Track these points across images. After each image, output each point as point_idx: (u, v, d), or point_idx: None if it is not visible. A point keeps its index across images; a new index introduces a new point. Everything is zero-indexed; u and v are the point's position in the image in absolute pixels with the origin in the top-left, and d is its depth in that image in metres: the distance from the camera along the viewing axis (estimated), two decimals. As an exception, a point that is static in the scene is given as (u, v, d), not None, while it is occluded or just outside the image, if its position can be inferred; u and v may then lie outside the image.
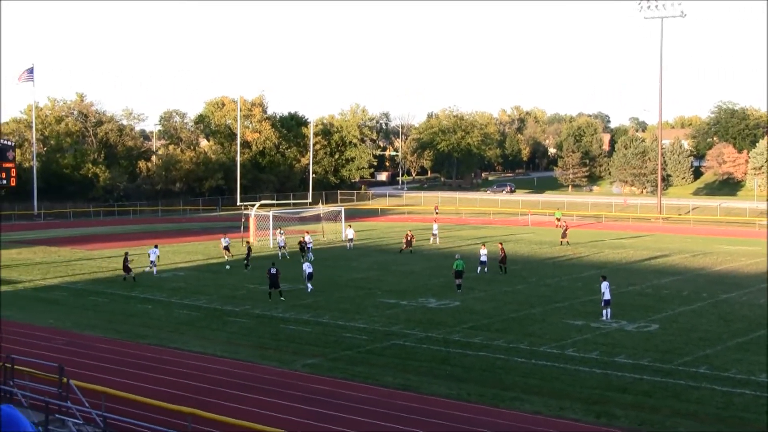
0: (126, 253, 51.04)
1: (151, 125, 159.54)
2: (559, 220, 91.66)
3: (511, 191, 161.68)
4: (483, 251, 52.87)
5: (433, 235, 72.87)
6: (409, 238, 64.46)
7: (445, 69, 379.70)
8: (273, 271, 43.03)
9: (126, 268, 49.36)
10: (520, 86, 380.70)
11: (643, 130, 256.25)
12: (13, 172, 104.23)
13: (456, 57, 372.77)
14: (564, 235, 71.34)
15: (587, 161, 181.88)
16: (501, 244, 54.88)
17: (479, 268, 52.16)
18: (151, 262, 52.98)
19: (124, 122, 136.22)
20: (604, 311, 37.94)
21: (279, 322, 37.54)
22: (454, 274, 46.20)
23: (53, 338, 33.97)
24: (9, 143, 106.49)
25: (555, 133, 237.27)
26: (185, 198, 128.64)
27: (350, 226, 70.06)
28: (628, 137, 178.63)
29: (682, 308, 40.68)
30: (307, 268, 46.00)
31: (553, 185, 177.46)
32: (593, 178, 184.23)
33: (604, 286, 38.06)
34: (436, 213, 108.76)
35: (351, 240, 68.19)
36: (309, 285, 45.18)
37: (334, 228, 78.95)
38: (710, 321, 37.49)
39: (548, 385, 26.89)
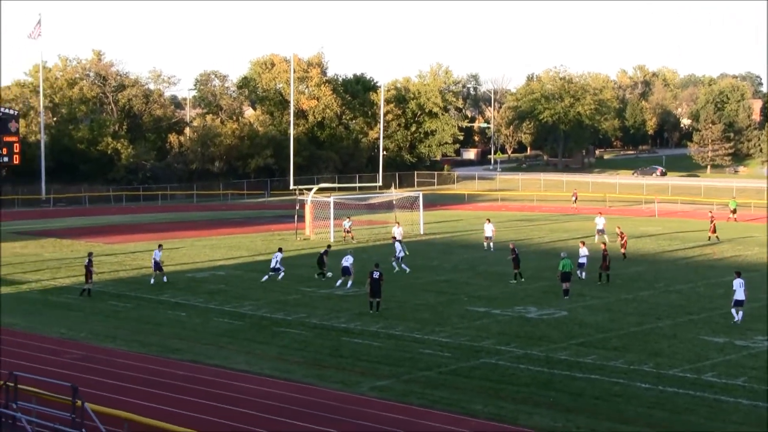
0: (90, 254, 48.47)
1: (185, 90, 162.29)
2: (735, 212, 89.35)
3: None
4: (582, 251, 51.86)
5: (599, 231, 69.80)
6: (622, 239, 58.95)
7: (548, 18, 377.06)
8: (376, 275, 42.29)
9: (88, 274, 46.85)
10: (645, 40, 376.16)
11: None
12: (17, 148, 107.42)
13: (562, 1, 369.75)
14: (713, 229, 70.84)
15: (731, 135, 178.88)
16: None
17: (579, 271, 51.04)
18: (155, 263, 50.92)
19: (152, 86, 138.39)
20: (733, 311, 39.64)
21: (341, 334, 37.70)
22: (559, 276, 45.83)
23: (65, 352, 34.57)
24: (11, 112, 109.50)
25: (690, 99, 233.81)
26: (226, 180, 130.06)
27: (489, 220, 67.48)
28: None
29: None
30: (345, 261, 48.60)
31: (687, 165, 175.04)
32: (739, 157, 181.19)
33: (737, 283, 39.46)
34: (575, 202, 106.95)
35: (489, 238, 64.61)
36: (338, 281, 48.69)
37: (409, 218, 78.96)
38: None
39: (679, 419, 26.52)
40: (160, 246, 52.56)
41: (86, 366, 32.00)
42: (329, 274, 51.31)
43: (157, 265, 50.58)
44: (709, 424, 26.07)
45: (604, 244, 52.23)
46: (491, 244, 64.35)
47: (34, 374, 26.24)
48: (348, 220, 71.47)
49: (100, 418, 22.29)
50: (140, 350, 34.87)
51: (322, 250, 53.19)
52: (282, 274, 51.70)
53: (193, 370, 31.79)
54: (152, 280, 50.08)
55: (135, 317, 41.40)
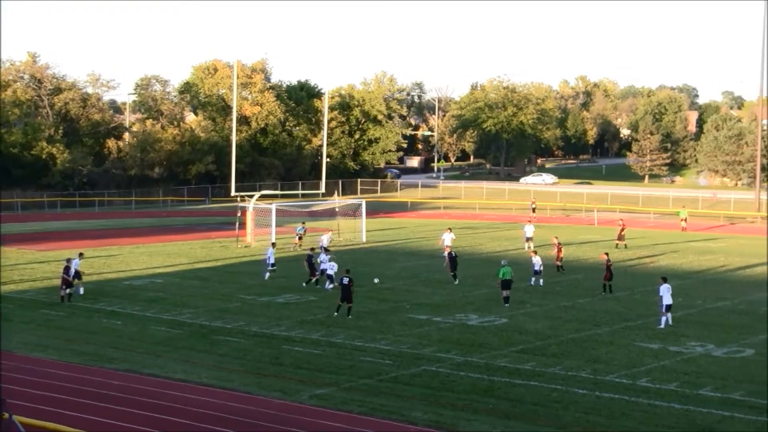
0: (68, 260, 47.54)
1: (124, 95, 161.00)
2: (685, 220, 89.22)
3: None
4: (536, 259, 52.28)
5: (528, 239, 69.43)
6: (559, 251, 57.45)
7: (491, 27, 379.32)
8: (345, 281, 42.47)
9: (65, 281, 46.10)
10: (586, 51, 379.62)
11: (740, 108, 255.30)
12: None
13: (506, 11, 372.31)
14: (621, 237, 71.74)
15: (668, 145, 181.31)
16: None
17: (533, 278, 51.90)
18: (74, 275, 47.47)
19: (89, 90, 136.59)
20: (663, 318, 40.40)
21: (282, 342, 37.52)
22: (499, 284, 46.01)
23: (-5, 361, 34.04)
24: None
25: (629, 110, 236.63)
26: (166, 186, 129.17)
27: (450, 229, 66.32)
28: (720, 116, 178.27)
29: (788, 330, 40.32)
30: (330, 268, 48.43)
31: (626, 175, 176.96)
32: (675, 167, 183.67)
33: (664, 288, 40.32)
34: (534, 212, 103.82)
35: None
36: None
37: (352, 225, 78.88)
38: (824, 346, 37.11)
39: (616, 423, 26.71)
40: (80, 254, 50.51)
41: (15, 377, 31.25)
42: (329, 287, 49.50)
43: (78, 274, 47.92)
44: (644, 429, 26.33)
45: (607, 254, 51.42)
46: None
47: (-40, 385, 25.78)
48: (302, 225, 70.96)
49: (28, 430, 21.89)
50: (73, 360, 34.34)
51: (306, 256, 52.25)
52: (268, 272, 52.51)
53: (129, 380, 31.40)
54: (80, 290, 47.63)
55: (68, 326, 40.76)
